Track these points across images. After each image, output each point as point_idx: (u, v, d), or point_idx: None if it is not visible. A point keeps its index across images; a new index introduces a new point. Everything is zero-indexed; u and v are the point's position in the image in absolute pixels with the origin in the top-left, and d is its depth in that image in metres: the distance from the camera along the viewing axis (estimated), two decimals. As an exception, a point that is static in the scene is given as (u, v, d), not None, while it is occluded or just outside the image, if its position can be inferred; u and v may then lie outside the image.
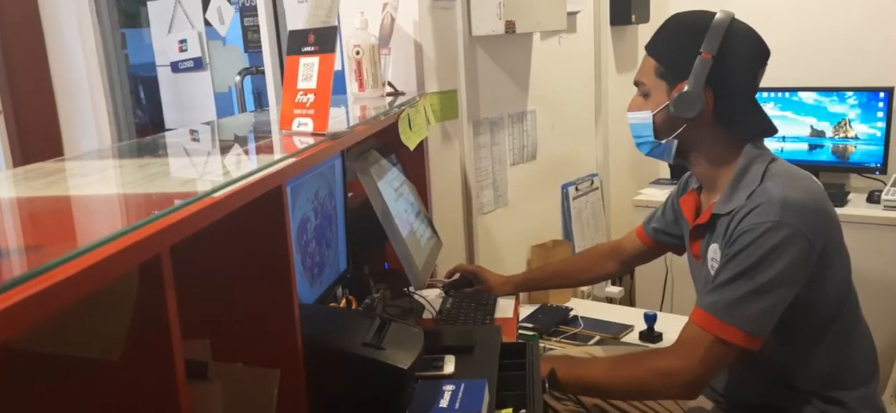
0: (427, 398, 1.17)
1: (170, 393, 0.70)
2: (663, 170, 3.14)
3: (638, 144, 1.51)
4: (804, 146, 2.90)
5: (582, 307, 2.51)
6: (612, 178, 3.02)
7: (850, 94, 2.81)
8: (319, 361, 1.05)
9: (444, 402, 1.16)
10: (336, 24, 1.16)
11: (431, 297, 2.00)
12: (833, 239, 1.36)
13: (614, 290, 2.82)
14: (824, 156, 2.88)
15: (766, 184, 1.33)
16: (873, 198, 2.70)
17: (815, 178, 1.40)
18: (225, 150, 1.28)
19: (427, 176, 2.16)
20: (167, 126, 3.23)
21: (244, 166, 0.93)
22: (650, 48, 1.44)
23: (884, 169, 2.77)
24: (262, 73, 2.73)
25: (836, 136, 2.85)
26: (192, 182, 0.98)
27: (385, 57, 2.07)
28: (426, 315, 1.91)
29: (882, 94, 2.75)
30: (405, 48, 2.16)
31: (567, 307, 2.48)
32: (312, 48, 1.19)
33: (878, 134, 2.77)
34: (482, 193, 2.40)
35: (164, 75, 3.22)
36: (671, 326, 2.26)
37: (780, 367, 1.41)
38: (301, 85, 1.19)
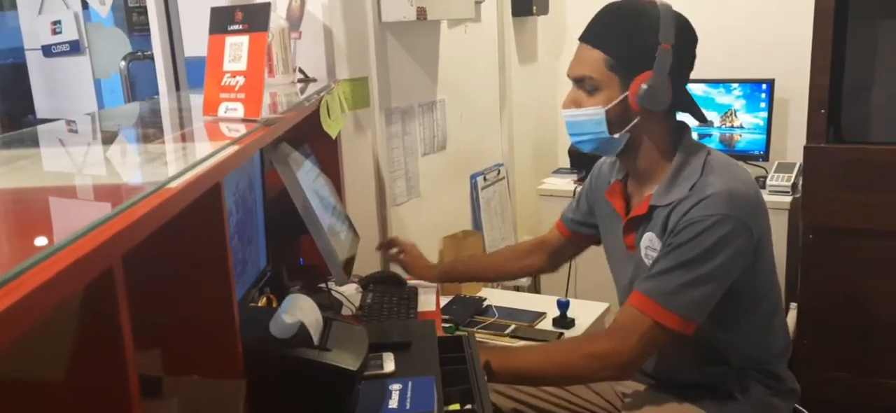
0: (374, 399, 1.11)
1: (123, 415, 0.61)
2: (563, 159, 3.19)
3: (579, 142, 1.46)
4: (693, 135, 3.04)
5: (494, 297, 2.51)
6: (517, 167, 3.04)
7: (735, 85, 2.97)
8: (262, 366, 0.96)
9: (393, 403, 1.10)
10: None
11: (349, 293, 1.92)
12: (766, 229, 1.41)
13: (522, 278, 2.84)
14: (712, 144, 3.03)
15: (709, 177, 1.35)
16: (758, 183, 2.86)
17: (747, 167, 1.47)
18: (148, 139, 1.15)
19: (340, 168, 2.07)
20: (39, 115, 2.94)
21: (188, 157, 0.82)
22: (594, 41, 1.40)
23: (766, 156, 2.95)
24: (151, 58, 2.54)
25: (723, 126, 3.01)
26: (133, 178, 0.86)
27: (295, 41, 1.96)
28: (345, 311, 1.83)
29: (764, 86, 2.92)
30: (315, 33, 2.06)
31: (480, 297, 2.47)
32: (241, 27, 1.09)
33: (762, 123, 2.94)
34: (395, 185, 2.34)
35: (34, 60, 2.92)
36: (583, 312, 2.30)
37: (714, 347, 1.46)
38: (228, 67, 1.09)
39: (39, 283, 0.41)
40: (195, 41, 2.28)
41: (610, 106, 1.39)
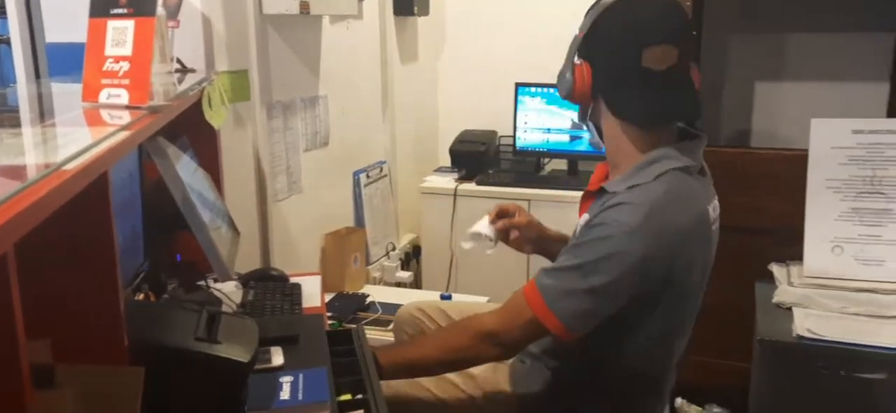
0: (265, 392, 1.11)
1: (14, 408, 0.58)
2: (444, 158, 3.26)
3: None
4: (566, 137, 3.19)
5: (377, 293, 2.53)
6: (399, 165, 3.07)
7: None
8: (150, 360, 0.94)
9: (285, 394, 1.10)
10: (156, -16, 1.04)
11: (229, 290, 1.88)
12: (685, 276, 1.31)
13: (404, 274, 2.88)
14: (582, 146, 3.19)
15: (651, 187, 1.28)
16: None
17: (707, 209, 1.34)
18: (32, 124, 1.07)
19: (220, 162, 2.02)
20: None
21: (70, 145, 0.78)
22: None
23: (631, 158, 3.14)
24: (7, 43, 2.35)
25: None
26: (23, 162, 0.80)
27: (173, 30, 1.89)
28: (226, 309, 1.79)
29: (629, 92, 3.11)
30: (193, 23, 1.99)
31: (363, 294, 2.49)
32: (125, 10, 1.05)
33: (627, 126, 3.13)
34: (276, 180, 2.31)
35: None
36: (466, 309, 2.36)
37: (589, 358, 1.43)
38: (110, 51, 1.05)
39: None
40: (58, 26, 2.14)
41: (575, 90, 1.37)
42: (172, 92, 1.53)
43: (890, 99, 2.67)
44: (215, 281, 1.85)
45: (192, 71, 1.95)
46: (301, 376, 1.15)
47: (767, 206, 2.29)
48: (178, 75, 1.88)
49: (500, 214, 1.70)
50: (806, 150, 2.01)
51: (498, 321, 1.36)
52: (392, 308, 2.40)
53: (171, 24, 1.88)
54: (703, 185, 1.38)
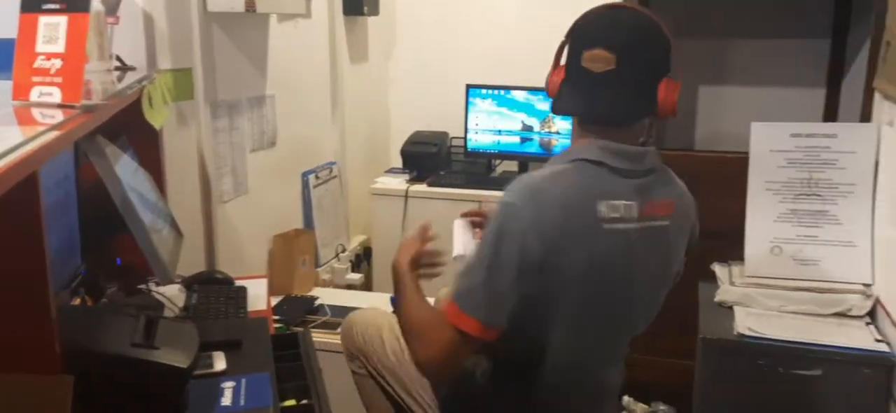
0: (205, 398, 1.08)
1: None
2: (396, 159, 3.24)
3: None
4: (516, 139, 3.21)
5: (326, 295, 2.51)
6: (349, 166, 3.05)
7: (552, 93, 3.18)
8: (84, 367, 0.90)
9: (226, 400, 1.08)
10: (90, -21, 1.00)
11: (172, 294, 1.83)
12: (560, 260, 1.28)
13: (354, 276, 2.86)
14: (533, 148, 3.22)
15: (536, 171, 1.33)
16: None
17: (598, 203, 1.30)
18: None
19: (162, 162, 1.97)
20: None
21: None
22: None
23: (580, 159, 3.18)
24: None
25: (543, 130, 3.21)
26: None
27: (112, 26, 1.84)
28: (168, 313, 1.75)
29: (578, 94, 3.15)
30: (134, 19, 1.94)
31: (312, 297, 2.46)
32: (57, 6, 1.01)
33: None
34: (221, 181, 2.26)
35: None
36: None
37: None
38: (42, 48, 1.01)
39: None
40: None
41: None
42: (111, 90, 1.48)
43: (826, 103, 2.77)
44: (157, 284, 1.80)
45: (133, 69, 1.90)
46: (243, 382, 1.13)
47: (711, 208, 2.34)
48: (117, 73, 1.83)
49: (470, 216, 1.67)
50: (747, 153, 2.06)
51: (421, 351, 1.31)
52: (342, 310, 2.38)
53: (110, 20, 1.82)
54: (613, 183, 1.33)
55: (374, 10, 3.12)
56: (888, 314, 1.79)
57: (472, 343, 1.26)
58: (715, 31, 2.85)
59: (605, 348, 1.45)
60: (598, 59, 1.34)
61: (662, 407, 2.52)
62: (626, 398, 2.50)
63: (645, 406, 2.52)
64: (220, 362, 1.25)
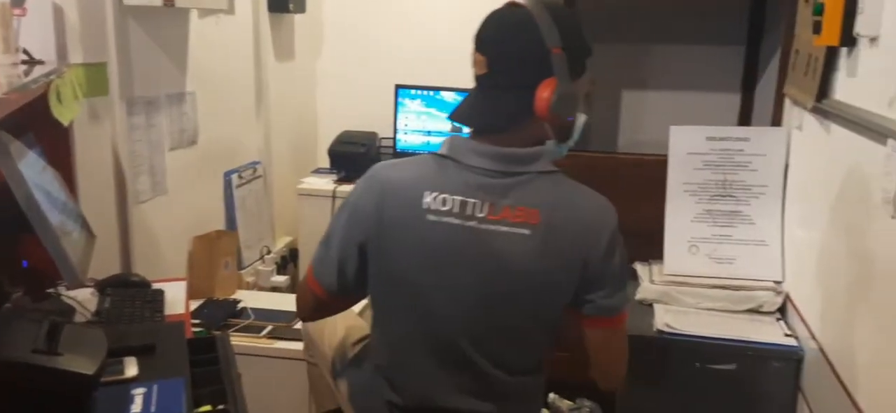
0: (114, 405, 1.04)
1: None
2: (323, 159, 3.19)
3: None
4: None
5: (250, 298, 2.45)
6: (275, 166, 2.98)
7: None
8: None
9: (136, 407, 1.03)
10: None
11: (84, 298, 1.75)
12: (384, 244, 1.33)
13: (280, 278, 2.80)
14: (461, 148, 3.23)
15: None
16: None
17: (424, 191, 1.29)
18: None
19: (72, 161, 1.88)
20: None
21: None
22: None
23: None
24: None
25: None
26: None
27: (18, 18, 1.74)
28: (79, 318, 1.67)
29: (505, 96, 3.18)
30: (42, 11, 1.85)
31: (235, 300, 2.39)
32: (-51, -10, 0.94)
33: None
34: (138, 180, 2.18)
35: None
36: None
37: None
38: (-68, 35, 0.94)
39: None
40: None
41: None
42: (15, 84, 1.41)
43: (741, 108, 2.88)
44: (67, 288, 1.72)
45: (41, 63, 1.81)
46: (155, 388, 1.09)
47: (633, 209, 2.40)
48: (24, 67, 1.73)
49: None
50: (667, 155, 2.12)
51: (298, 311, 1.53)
52: (266, 313, 2.33)
53: (17, 12, 1.73)
54: (454, 178, 1.29)
55: (300, 8, 3.06)
56: (797, 310, 1.88)
57: (327, 303, 1.43)
58: (637, 37, 2.93)
59: (450, 352, 1.34)
60: (476, 63, 1.34)
61: (587, 402, 2.57)
62: (552, 396, 2.53)
63: (570, 403, 2.56)
64: (131, 368, 1.20)
